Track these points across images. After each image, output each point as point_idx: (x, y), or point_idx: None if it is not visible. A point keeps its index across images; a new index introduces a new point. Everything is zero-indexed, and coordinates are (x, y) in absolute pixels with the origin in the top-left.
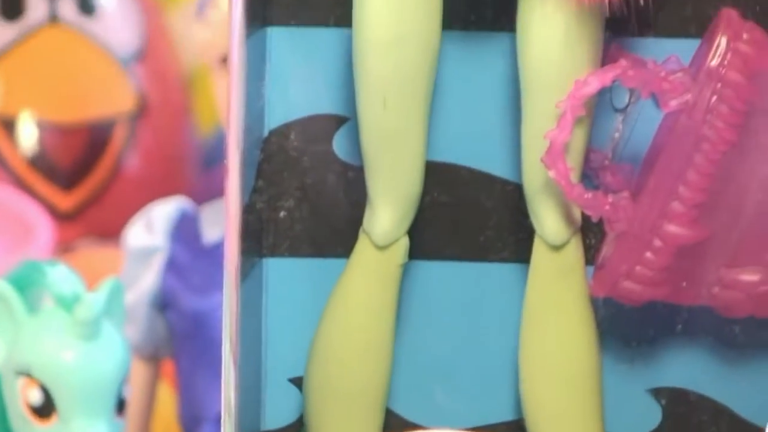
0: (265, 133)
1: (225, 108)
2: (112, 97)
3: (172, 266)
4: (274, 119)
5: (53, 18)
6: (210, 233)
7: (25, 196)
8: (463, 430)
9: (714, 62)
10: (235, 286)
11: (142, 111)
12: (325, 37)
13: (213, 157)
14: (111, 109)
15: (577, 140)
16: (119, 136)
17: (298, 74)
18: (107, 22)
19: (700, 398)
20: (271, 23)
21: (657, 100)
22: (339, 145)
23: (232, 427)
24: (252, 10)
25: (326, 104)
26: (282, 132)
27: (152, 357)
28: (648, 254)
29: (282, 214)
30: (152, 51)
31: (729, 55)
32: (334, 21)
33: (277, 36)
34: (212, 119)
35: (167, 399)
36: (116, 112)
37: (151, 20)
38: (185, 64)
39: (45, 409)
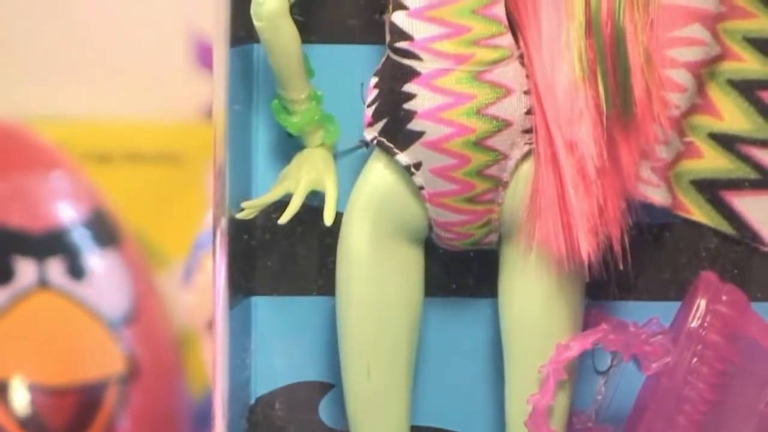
0: (252, 400)
1: (211, 378)
2: (103, 360)
3: None
4: (259, 387)
5: (43, 283)
6: None
7: None
8: None
9: (694, 324)
10: None
11: (132, 373)
12: (308, 306)
13: (205, 418)
14: (102, 372)
15: (560, 403)
16: (110, 398)
17: (283, 343)
18: (97, 286)
19: None
20: (255, 293)
21: (638, 362)
22: (325, 412)
23: None
24: (236, 281)
25: (311, 372)
26: (267, 401)
27: None
28: None
29: None
30: (142, 314)
31: (709, 317)
32: (317, 290)
33: (262, 305)
34: (203, 381)
35: None
36: (107, 375)
37: (140, 283)
38: (175, 327)
39: None
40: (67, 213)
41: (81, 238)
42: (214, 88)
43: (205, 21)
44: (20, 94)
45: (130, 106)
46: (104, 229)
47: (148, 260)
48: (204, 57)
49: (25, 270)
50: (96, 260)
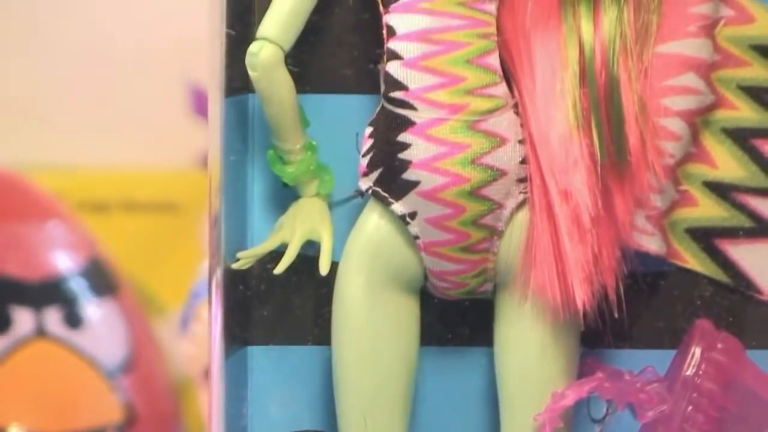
0: None
1: (207, 427)
2: (100, 408)
3: None
4: None
5: (40, 331)
6: None
7: None
8: None
9: (689, 372)
10: None
11: (130, 421)
12: (304, 355)
13: None
14: (99, 420)
15: None
16: None
17: (279, 392)
18: (94, 335)
19: None
20: (251, 343)
21: (634, 410)
22: None
23: None
24: (231, 331)
25: (308, 421)
26: None
27: None
28: None
29: None
30: (139, 362)
31: (704, 365)
32: (312, 340)
33: (258, 355)
34: (199, 430)
35: None
36: (104, 423)
37: (137, 332)
38: (172, 375)
39: None
40: (64, 261)
41: (78, 286)
42: (210, 138)
43: (200, 70)
44: (16, 142)
45: (126, 154)
46: (101, 278)
47: (145, 308)
48: (200, 105)
49: (22, 319)
50: (93, 309)
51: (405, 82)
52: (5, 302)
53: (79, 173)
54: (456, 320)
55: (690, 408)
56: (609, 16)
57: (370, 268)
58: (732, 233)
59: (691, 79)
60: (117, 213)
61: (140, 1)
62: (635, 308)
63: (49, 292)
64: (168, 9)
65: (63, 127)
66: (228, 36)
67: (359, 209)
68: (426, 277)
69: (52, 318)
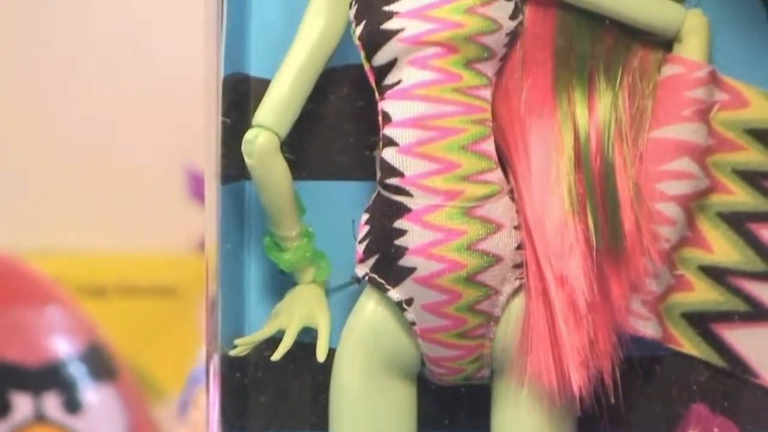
0: None
1: None
2: None
3: None
4: None
5: (39, 417)
6: None
7: None
8: None
9: None
10: None
11: None
12: None
13: None
14: None
15: None
16: None
17: None
18: (93, 420)
19: None
20: (250, 430)
21: None
22: None
23: None
24: (229, 418)
25: None
26: None
27: None
28: None
29: None
30: None
31: None
32: (309, 427)
33: None
34: None
35: None
36: None
37: (136, 417)
38: None
39: None
40: (62, 346)
41: (77, 371)
42: (206, 225)
43: (198, 153)
44: (15, 227)
45: (124, 239)
46: (100, 363)
47: (143, 393)
48: (198, 189)
49: (22, 404)
50: (92, 394)
51: (401, 169)
52: (4, 387)
53: (77, 258)
54: (453, 405)
55: None
56: (604, 102)
57: (367, 355)
58: (728, 317)
59: (686, 164)
60: (115, 297)
61: (138, 88)
62: (631, 393)
63: (48, 377)
64: (165, 97)
65: (60, 211)
66: (224, 124)
67: (356, 296)
68: (423, 363)
69: (52, 403)
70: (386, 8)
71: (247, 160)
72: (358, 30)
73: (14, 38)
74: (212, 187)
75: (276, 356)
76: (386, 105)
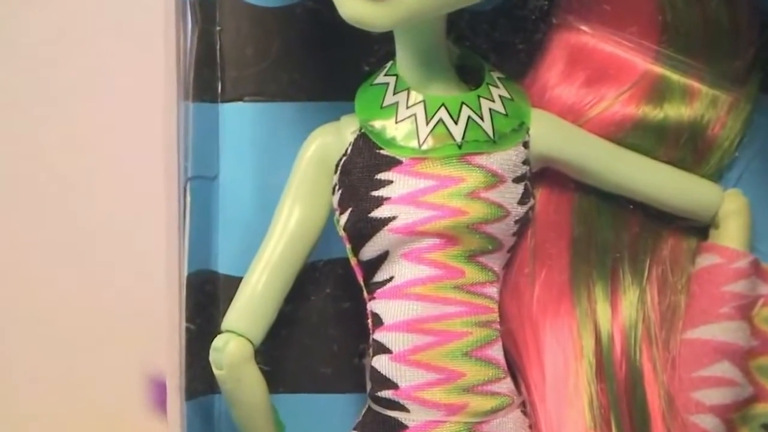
0: None
1: None
2: None
3: None
4: None
5: None
6: None
7: None
8: None
9: None
10: None
11: None
12: None
13: None
14: None
15: None
16: None
17: None
18: None
19: None
20: None
21: None
22: None
23: None
24: None
25: None
26: None
27: None
28: None
29: None
30: None
31: None
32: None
33: None
34: None
35: None
36: None
37: None
38: None
39: None
40: None
41: None
42: None
43: (161, 359)
44: None
45: None
46: None
47: None
48: (161, 398)
49: None
50: None
51: (394, 380)
52: None
53: None
54: None
55: None
56: (629, 298)
57: None
58: None
59: (726, 369)
60: None
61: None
62: None
63: None
64: (124, 296)
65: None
66: (188, 331)
67: None
68: None
69: None
70: (375, 193)
71: (215, 371)
72: (343, 219)
73: None
74: (176, 403)
75: None
76: (376, 305)
